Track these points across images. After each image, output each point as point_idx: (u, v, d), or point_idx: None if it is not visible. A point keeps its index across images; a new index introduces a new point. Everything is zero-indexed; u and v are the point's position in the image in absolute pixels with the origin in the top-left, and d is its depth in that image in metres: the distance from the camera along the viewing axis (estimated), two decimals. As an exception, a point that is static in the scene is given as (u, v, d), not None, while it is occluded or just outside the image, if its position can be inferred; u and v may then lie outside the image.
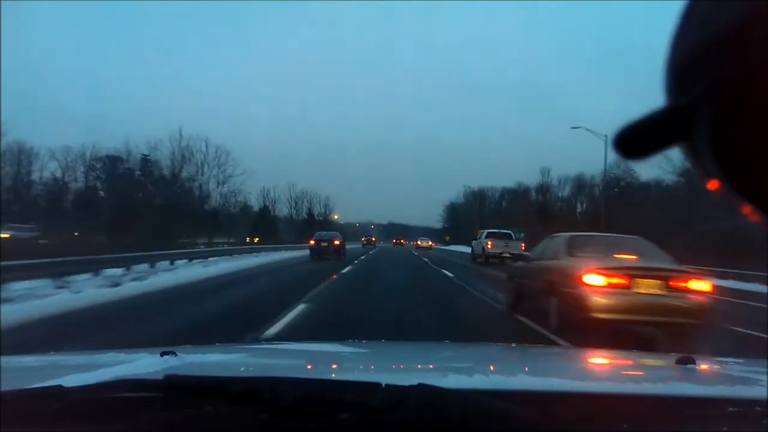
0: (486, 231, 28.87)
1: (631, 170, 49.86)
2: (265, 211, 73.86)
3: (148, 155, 47.04)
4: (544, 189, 77.75)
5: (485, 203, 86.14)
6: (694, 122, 0.38)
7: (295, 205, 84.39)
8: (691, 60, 0.38)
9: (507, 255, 25.09)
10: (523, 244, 26.95)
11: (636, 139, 0.41)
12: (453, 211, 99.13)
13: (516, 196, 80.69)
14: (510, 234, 28.10)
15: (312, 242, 27.66)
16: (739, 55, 0.34)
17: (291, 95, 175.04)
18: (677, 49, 0.39)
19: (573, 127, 30.39)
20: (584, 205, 75.56)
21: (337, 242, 27.17)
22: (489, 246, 26.51)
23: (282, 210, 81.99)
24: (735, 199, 0.38)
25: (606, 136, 24.31)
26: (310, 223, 78.98)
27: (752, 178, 0.37)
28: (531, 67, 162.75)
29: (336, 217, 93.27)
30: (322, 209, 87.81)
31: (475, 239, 29.93)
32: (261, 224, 65.77)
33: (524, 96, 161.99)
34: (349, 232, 49.87)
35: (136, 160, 47.98)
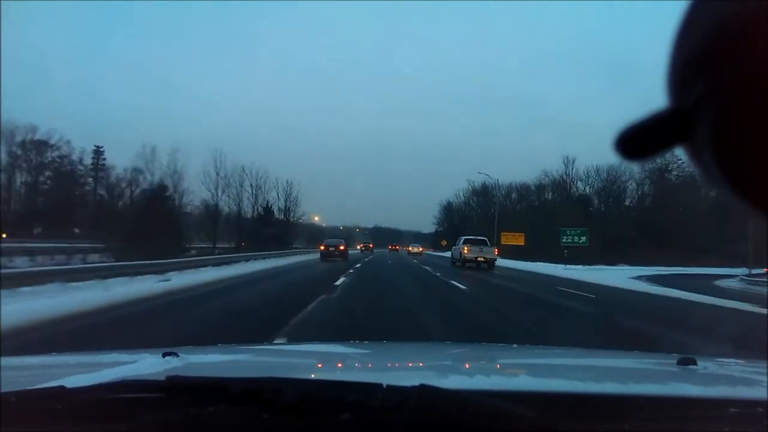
0: (463, 237, 31.33)
1: (678, 158, 43.80)
2: (159, 194, 37.94)
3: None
4: (569, 182, 62.83)
5: (490, 201, 71.17)
6: (695, 123, 0.38)
7: (226, 188, 49.54)
8: (693, 61, 0.38)
9: (482, 259, 28.66)
10: (496, 250, 30.57)
11: (637, 141, 0.41)
12: (450, 212, 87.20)
13: (529, 191, 66.55)
14: (485, 240, 30.52)
15: (322, 247, 35.87)
16: (740, 56, 0.34)
17: (274, 94, 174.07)
18: (679, 50, 0.39)
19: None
20: (624, 202, 60.30)
21: (342, 247, 35.46)
22: (465, 251, 29.26)
23: (197, 194, 47.81)
24: (736, 199, 0.38)
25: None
26: (264, 220, 51.10)
27: (753, 178, 0.37)
28: (519, 72, 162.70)
29: (317, 218, 76.15)
30: (282, 200, 57.04)
31: (455, 245, 32.85)
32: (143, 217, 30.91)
33: (516, 98, 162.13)
34: (331, 235, 46.96)
35: None
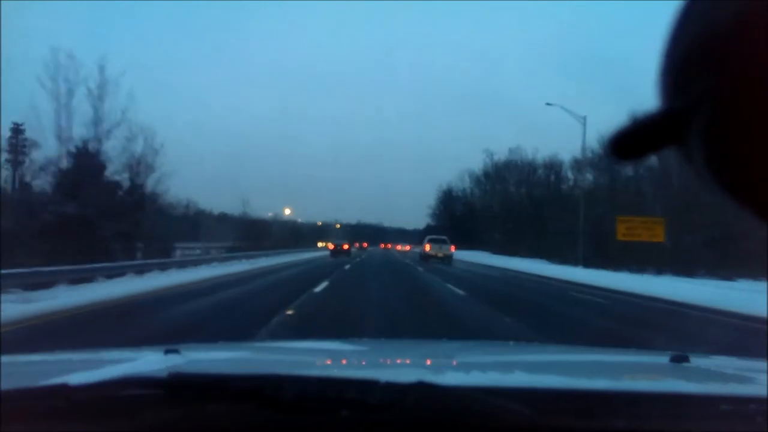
0: (428, 237, 39.20)
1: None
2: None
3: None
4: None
5: (521, 178, 54.66)
6: (688, 125, 0.38)
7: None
8: (687, 63, 0.38)
9: (440, 255, 35.74)
10: (452, 247, 36.84)
11: (631, 142, 0.41)
12: (450, 201, 69.73)
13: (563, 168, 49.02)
14: (445, 239, 37.34)
15: (331, 246, 47.40)
16: (735, 58, 0.34)
17: (251, 88, 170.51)
18: (672, 51, 0.39)
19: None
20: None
21: (345, 246, 47.51)
22: (427, 249, 36.98)
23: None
24: (728, 201, 0.38)
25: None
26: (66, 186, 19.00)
27: (746, 180, 0.37)
28: (511, 72, 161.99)
29: (289, 212, 69.29)
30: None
31: (421, 244, 40.92)
32: None
33: (512, 98, 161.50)
34: (310, 232, 48.89)
35: None
